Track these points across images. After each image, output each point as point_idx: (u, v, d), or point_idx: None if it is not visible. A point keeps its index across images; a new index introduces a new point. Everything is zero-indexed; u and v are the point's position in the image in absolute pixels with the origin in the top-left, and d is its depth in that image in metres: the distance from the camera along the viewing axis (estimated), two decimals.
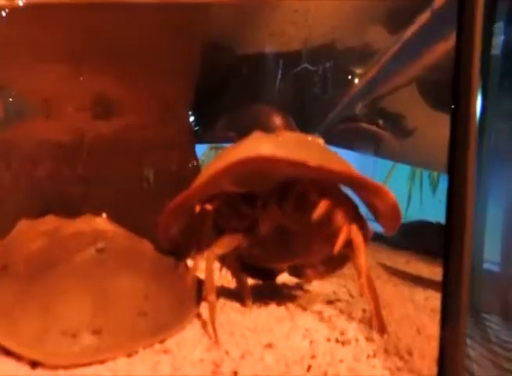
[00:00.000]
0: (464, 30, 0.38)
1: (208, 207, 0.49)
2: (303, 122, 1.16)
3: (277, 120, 1.09)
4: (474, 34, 0.38)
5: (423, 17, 0.61)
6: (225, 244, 0.50)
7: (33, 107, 0.86)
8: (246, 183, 0.48)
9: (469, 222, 0.43)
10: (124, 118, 0.88)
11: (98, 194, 0.86)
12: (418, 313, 0.64)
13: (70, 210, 0.84)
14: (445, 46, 0.60)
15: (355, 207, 0.52)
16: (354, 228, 0.50)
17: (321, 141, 0.53)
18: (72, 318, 0.42)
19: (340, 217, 0.50)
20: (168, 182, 0.92)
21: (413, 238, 1.04)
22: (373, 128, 1.14)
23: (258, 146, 0.47)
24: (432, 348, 0.51)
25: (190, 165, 0.98)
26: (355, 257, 0.50)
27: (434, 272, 0.84)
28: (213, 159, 0.53)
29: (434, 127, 1.01)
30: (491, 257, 0.83)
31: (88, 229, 0.49)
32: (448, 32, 0.57)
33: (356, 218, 0.51)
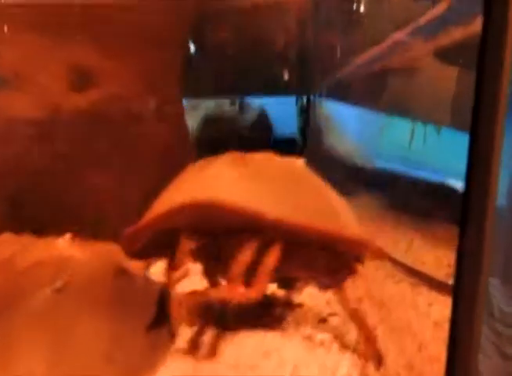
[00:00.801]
0: None
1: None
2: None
3: None
4: None
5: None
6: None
7: (3, 81, 0.79)
8: (203, 224, 0.43)
9: (493, 190, 0.36)
10: (102, 90, 0.81)
11: (80, 174, 0.80)
12: (420, 322, 0.59)
13: (49, 192, 0.79)
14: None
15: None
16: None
17: (302, 165, 0.46)
18: (27, 370, 0.37)
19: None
20: (156, 157, 0.86)
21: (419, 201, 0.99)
22: None
23: (214, 183, 0.42)
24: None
25: (179, 137, 0.91)
26: None
27: (440, 259, 0.79)
28: (174, 183, 0.47)
29: (440, 79, 0.93)
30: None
31: (48, 260, 0.43)
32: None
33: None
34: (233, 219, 0.42)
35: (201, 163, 0.47)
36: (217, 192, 0.41)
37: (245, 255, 0.41)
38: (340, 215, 0.45)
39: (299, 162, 0.47)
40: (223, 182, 0.42)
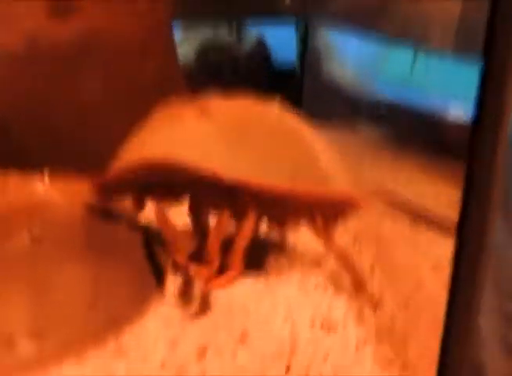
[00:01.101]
0: None
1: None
2: None
3: None
4: None
5: None
6: None
7: None
8: (166, 176, 0.41)
9: (506, 119, 0.33)
10: (83, 18, 0.75)
11: (60, 113, 0.75)
12: (418, 261, 0.57)
13: (34, 122, 0.75)
14: None
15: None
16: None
17: (279, 111, 0.43)
18: (4, 321, 0.35)
19: None
20: (144, 95, 0.82)
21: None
22: None
23: (175, 140, 0.40)
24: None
25: (170, 72, 0.86)
26: None
27: (440, 196, 0.76)
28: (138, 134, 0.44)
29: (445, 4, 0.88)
30: None
31: (24, 203, 0.40)
32: None
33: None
34: (197, 180, 0.40)
35: (168, 111, 0.44)
36: (176, 150, 0.39)
37: (218, 231, 0.40)
38: (323, 168, 0.43)
39: (276, 107, 0.43)
40: (185, 139, 0.40)
